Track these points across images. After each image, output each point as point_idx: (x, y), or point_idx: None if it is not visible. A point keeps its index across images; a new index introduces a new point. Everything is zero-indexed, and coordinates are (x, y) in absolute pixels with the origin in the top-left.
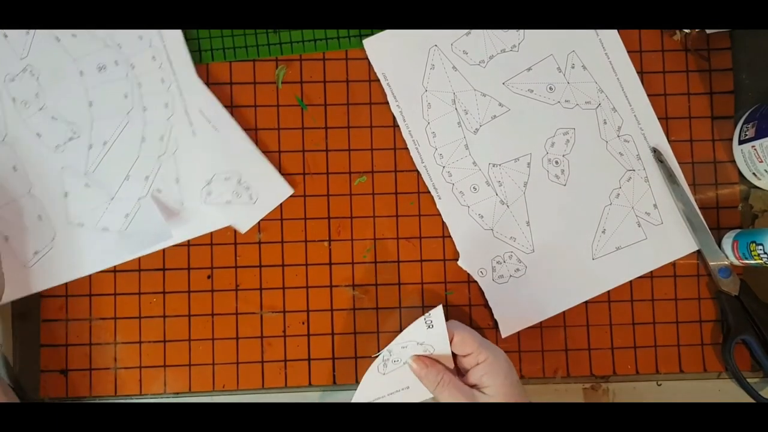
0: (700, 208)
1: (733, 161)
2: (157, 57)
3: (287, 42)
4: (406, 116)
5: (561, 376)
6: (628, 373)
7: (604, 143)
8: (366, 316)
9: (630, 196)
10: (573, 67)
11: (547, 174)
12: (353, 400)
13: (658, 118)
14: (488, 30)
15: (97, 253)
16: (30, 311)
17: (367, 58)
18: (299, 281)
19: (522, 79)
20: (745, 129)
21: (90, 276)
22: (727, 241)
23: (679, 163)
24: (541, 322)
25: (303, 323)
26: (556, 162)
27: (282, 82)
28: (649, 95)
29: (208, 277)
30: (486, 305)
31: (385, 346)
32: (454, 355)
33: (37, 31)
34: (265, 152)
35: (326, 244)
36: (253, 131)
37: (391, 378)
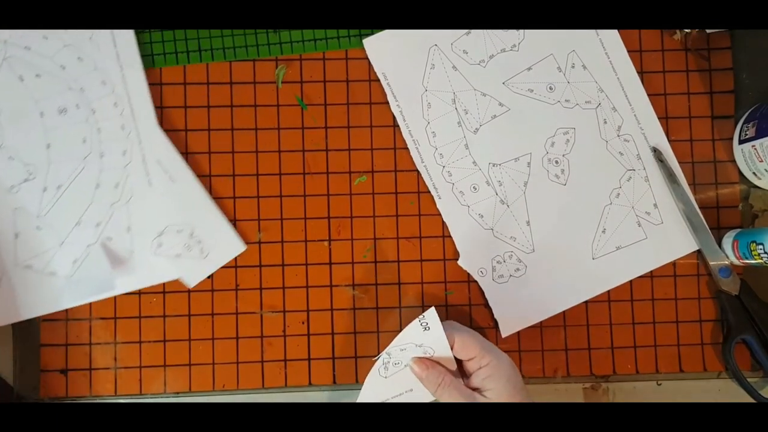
0: (700, 207)
1: (733, 161)
2: (119, 103)
3: (287, 42)
4: (406, 116)
5: (561, 375)
6: (628, 373)
7: (604, 143)
8: (366, 316)
9: (630, 195)
10: (573, 67)
11: (547, 174)
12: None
13: (658, 118)
14: (488, 30)
15: (43, 297)
16: None
17: (367, 58)
18: (299, 281)
19: (522, 79)
20: (746, 128)
21: None
22: (728, 240)
23: (679, 162)
24: (541, 322)
25: (303, 323)
26: (556, 162)
27: (282, 82)
28: (649, 95)
29: (208, 276)
30: (486, 305)
31: (385, 346)
32: (458, 360)
33: (0, 69)
34: (265, 152)
35: (326, 243)
36: (252, 131)
37: (394, 381)
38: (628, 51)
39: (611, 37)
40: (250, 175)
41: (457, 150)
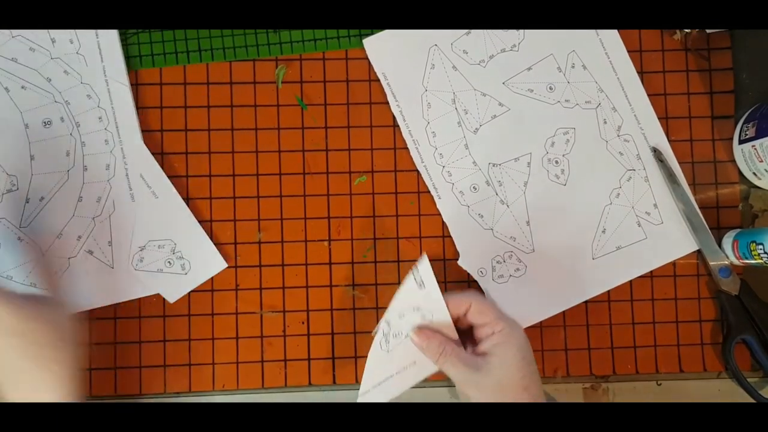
0: (700, 207)
1: (733, 161)
2: (104, 118)
3: (287, 42)
4: (406, 116)
5: (561, 375)
6: (628, 373)
7: (604, 143)
8: (366, 316)
9: (630, 195)
10: (573, 67)
11: (547, 174)
12: (362, 384)
13: (658, 118)
14: (488, 30)
15: None
16: None
17: (367, 58)
18: (299, 281)
19: (522, 79)
20: (746, 128)
21: None
22: (727, 240)
23: (679, 162)
24: (541, 322)
25: (303, 323)
26: (556, 162)
27: (282, 82)
28: (649, 95)
29: None
30: None
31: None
32: (463, 331)
33: None
34: (265, 152)
35: (326, 243)
36: (252, 131)
37: (396, 354)
38: (628, 51)
39: (611, 37)
40: (250, 175)
41: (457, 150)
